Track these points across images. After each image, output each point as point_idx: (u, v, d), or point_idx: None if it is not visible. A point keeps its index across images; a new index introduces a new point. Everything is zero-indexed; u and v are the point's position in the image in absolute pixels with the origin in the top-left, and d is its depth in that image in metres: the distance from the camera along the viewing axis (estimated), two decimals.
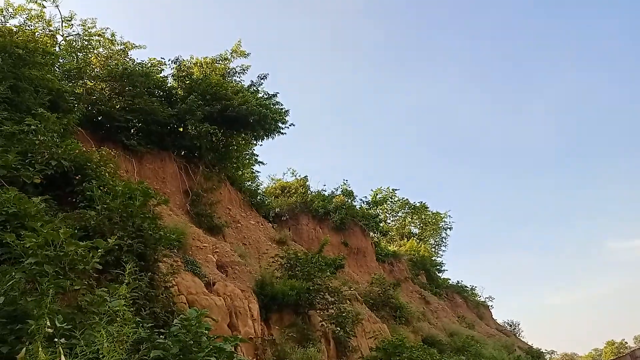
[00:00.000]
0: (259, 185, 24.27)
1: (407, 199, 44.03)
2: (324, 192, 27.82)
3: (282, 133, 19.11)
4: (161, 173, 15.83)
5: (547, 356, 53.43)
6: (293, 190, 25.94)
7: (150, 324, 6.62)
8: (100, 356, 3.85)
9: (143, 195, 8.69)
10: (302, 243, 21.76)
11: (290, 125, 19.24)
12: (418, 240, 42.67)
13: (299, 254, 14.61)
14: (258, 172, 24.13)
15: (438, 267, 41.59)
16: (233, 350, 8.07)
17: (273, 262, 13.83)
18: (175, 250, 10.31)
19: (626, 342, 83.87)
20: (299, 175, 27.85)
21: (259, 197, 22.45)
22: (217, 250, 12.79)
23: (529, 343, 41.35)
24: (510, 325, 46.08)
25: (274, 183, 27.66)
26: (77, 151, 8.71)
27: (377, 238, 34.57)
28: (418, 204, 44.43)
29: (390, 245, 36.89)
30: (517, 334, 44.63)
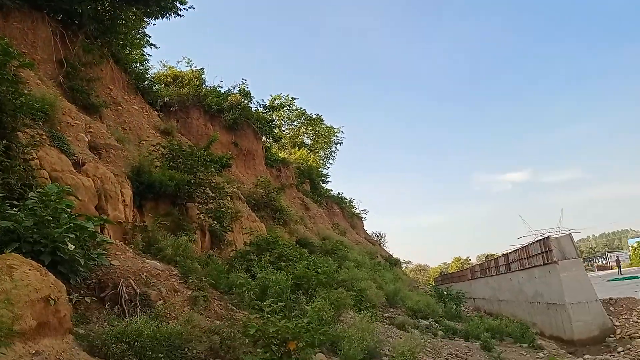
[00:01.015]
0: (148, 70, 22.40)
1: (304, 109, 44.35)
2: (219, 89, 26.72)
3: (180, 15, 17.54)
4: (31, 36, 13.81)
5: (404, 265, 60.58)
6: (186, 81, 24.47)
7: (1, 195, 6.12)
8: None
9: (2, 54, 7.62)
10: (190, 137, 21.12)
11: (189, 8, 17.69)
12: (309, 151, 43.82)
13: (183, 147, 14.19)
14: (149, 55, 22.16)
15: (323, 178, 43.58)
16: (97, 230, 7.87)
17: (154, 150, 13.27)
18: (40, 123, 9.37)
19: (470, 259, 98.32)
20: (195, 66, 26.26)
21: (146, 82, 20.83)
22: (91, 130, 11.86)
23: (390, 252, 46.33)
24: (378, 236, 50.93)
25: (165, 70, 25.77)
26: None
27: (269, 143, 34.79)
28: (314, 116, 45.04)
29: (281, 152, 37.44)
30: (382, 244, 49.60)
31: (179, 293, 8.14)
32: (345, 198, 46.56)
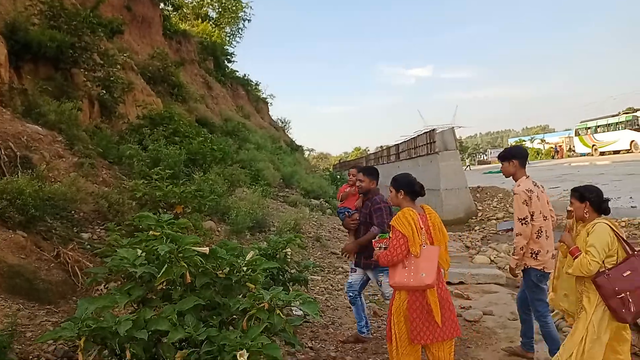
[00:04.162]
0: None
1: None
2: None
3: None
4: None
5: (307, 152, 62.75)
6: None
7: None
8: None
9: None
10: None
11: None
12: (214, 25, 41.07)
13: (66, 5, 12.74)
14: None
15: (229, 57, 41.61)
16: None
17: (31, 5, 11.78)
18: None
19: (368, 149, 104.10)
20: None
21: None
22: None
23: (294, 139, 47.42)
24: (282, 123, 51.37)
25: None
26: None
27: (168, 11, 32.05)
28: None
29: (182, 24, 34.71)
30: (286, 131, 50.36)
31: (63, 159, 8.01)
32: (251, 81, 45.34)
